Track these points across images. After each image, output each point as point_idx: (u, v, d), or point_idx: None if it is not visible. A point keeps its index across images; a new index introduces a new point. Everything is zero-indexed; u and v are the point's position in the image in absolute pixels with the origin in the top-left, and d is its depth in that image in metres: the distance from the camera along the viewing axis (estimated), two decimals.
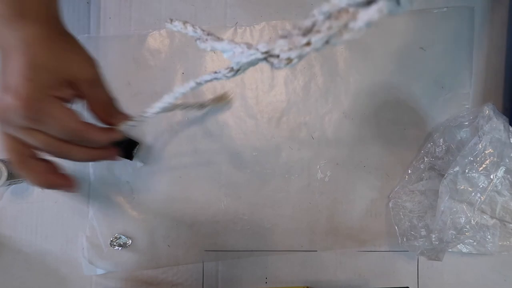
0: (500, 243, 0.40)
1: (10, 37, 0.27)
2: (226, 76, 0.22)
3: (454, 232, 0.37)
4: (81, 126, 0.29)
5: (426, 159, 0.41)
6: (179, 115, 0.44)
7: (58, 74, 0.28)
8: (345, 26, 0.14)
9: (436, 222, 0.38)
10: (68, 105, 0.30)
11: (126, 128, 0.34)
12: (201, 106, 0.42)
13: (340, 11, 0.14)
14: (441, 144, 0.41)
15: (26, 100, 0.26)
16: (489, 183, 0.37)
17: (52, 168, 0.32)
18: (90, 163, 0.44)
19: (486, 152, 0.37)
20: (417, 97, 0.42)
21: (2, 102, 0.27)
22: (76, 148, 0.30)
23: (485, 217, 0.40)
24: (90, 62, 0.31)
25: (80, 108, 0.32)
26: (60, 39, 0.30)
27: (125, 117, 0.34)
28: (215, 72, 0.23)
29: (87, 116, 0.32)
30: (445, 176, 0.38)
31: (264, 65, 0.44)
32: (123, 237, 0.44)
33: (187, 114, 0.44)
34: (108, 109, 0.33)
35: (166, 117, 0.44)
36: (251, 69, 0.45)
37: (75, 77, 0.29)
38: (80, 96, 0.31)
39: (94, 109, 0.32)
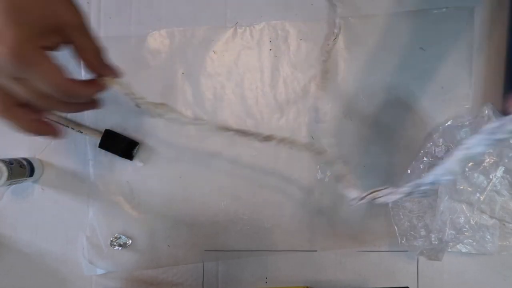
0: (499, 243, 0.40)
1: None
2: None
3: (454, 232, 0.37)
4: (67, 81, 0.29)
5: (426, 159, 0.41)
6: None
7: (45, 19, 0.27)
8: None
9: (435, 222, 0.38)
10: (54, 54, 0.29)
11: (112, 84, 0.33)
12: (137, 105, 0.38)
13: None
14: (441, 144, 0.41)
15: (13, 48, 0.25)
16: (489, 183, 0.37)
17: (37, 115, 0.31)
18: (90, 163, 0.44)
19: (486, 152, 0.37)
20: (417, 97, 0.43)
21: None
22: (60, 102, 0.30)
23: (484, 217, 0.40)
24: (76, 7, 0.30)
25: (66, 58, 0.31)
26: None
27: (113, 71, 0.34)
28: None
29: (73, 66, 0.32)
30: None
31: (264, 65, 0.44)
32: (123, 237, 0.44)
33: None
34: (97, 58, 0.32)
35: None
36: (251, 69, 0.45)
37: (64, 22, 0.28)
38: (67, 42, 0.30)
39: (83, 56, 0.32)
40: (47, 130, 0.32)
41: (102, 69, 0.33)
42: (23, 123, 0.30)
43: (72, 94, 0.30)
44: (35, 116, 0.31)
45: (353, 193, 0.31)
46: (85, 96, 0.31)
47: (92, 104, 0.35)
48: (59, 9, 0.28)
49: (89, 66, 0.33)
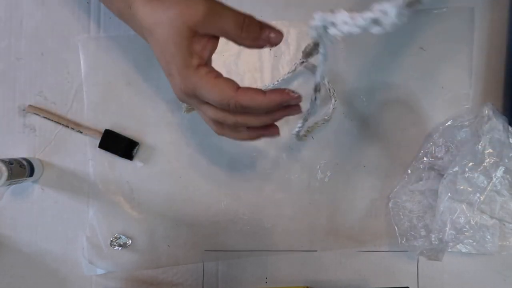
0: (499, 243, 0.40)
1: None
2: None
3: (454, 232, 0.37)
4: (235, 90, 0.28)
5: (426, 159, 0.41)
6: (180, 115, 0.44)
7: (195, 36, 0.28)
8: None
9: (435, 222, 0.38)
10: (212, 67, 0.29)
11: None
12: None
13: None
14: (441, 144, 0.41)
15: (180, 79, 0.28)
16: (489, 183, 0.37)
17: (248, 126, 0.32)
18: (90, 163, 0.44)
19: (486, 152, 0.37)
20: (417, 97, 0.42)
21: (171, 82, 0.29)
22: (242, 117, 0.30)
23: (484, 217, 0.40)
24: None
25: None
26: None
27: (272, 28, 0.29)
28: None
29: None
30: (444, 176, 0.38)
31: (264, 65, 0.44)
32: (123, 237, 0.44)
33: (187, 114, 0.44)
34: (252, 28, 0.28)
35: (166, 117, 0.44)
36: (251, 69, 0.45)
37: (222, 31, 0.28)
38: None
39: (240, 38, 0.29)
40: (265, 132, 0.33)
41: (262, 31, 0.28)
42: (239, 135, 0.32)
43: (243, 101, 0.28)
44: (244, 128, 0.32)
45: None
46: (261, 103, 0.28)
47: (269, 129, 0.33)
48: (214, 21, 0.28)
49: (250, 42, 0.29)
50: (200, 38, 0.28)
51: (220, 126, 0.32)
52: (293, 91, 0.29)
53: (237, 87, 0.28)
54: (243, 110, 0.29)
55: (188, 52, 0.28)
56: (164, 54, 0.28)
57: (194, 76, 0.28)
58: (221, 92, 0.28)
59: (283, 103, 0.29)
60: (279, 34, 0.29)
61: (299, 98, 0.29)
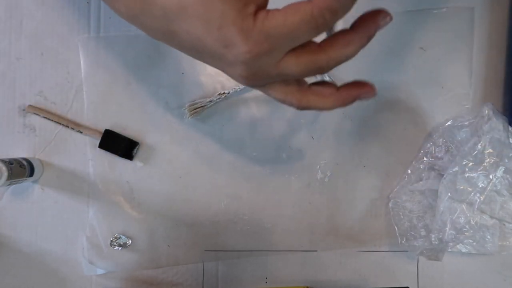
0: (499, 243, 0.40)
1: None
2: None
3: (454, 232, 0.37)
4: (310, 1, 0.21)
5: (425, 159, 0.41)
6: (180, 115, 0.44)
7: None
8: None
9: (435, 222, 0.38)
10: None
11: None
12: None
13: None
14: (441, 144, 0.41)
15: (243, 40, 0.22)
16: (489, 183, 0.37)
17: (332, 86, 0.27)
18: (90, 163, 0.44)
19: (486, 152, 0.37)
20: (417, 97, 0.42)
21: (231, 58, 0.22)
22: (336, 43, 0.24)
23: (484, 217, 0.40)
24: None
25: None
26: None
27: None
28: None
29: None
30: (444, 176, 0.38)
31: None
32: (123, 237, 0.44)
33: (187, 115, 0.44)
34: None
35: (166, 117, 0.44)
36: None
37: None
38: None
39: None
40: (357, 93, 0.27)
41: None
42: (325, 100, 0.27)
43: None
44: (332, 88, 0.27)
45: None
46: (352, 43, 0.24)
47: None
48: None
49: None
50: None
51: (303, 92, 0.26)
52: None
53: None
54: (334, 16, 0.21)
55: (240, 0, 0.21)
56: (210, 23, 0.22)
57: (259, 23, 0.21)
58: (297, 11, 0.21)
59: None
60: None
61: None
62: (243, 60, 0.22)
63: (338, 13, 0.21)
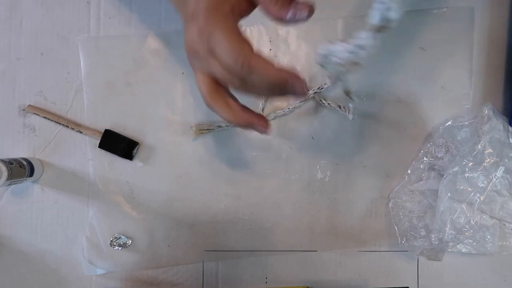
0: (499, 243, 0.40)
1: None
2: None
3: (454, 232, 0.37)
4: (253, 51, 0.27)
5: (426, 159, 0.41)
6: (180, 115, 0.44)
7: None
8: None
9: (435, 222, 0.38)
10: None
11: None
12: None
13: None
14: (441, 144, 0.41)
15: (204, 20, 0.27)
16: (489, 183, 0.37)
17: (244, 107, 0.31)
18: (90, 163, 0.44)
19: (486, 152, 0.37)
20: (417, 97, 0.43)
21: (189, 25, 0.28)
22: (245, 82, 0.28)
23: (484, 217, 0.40)
24: None
25: None
26: None
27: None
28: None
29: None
30: (444, 176, 0.38)
31: None
32: (123, 237, 0.44)
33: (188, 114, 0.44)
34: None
35: (166, 117, 0.44)
36: None
37: None
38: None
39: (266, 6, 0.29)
40: (257, 122, 0.31)
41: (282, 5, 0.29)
42: (232, 111, 0.30)
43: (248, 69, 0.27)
44: (242, 106, 0.31)
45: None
46: (269, 77, 0.27)
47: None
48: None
49: (273, 13, 0.29)
50: None
51: (214, 90, 0.30)
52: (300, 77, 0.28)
53: (254, 50, 0.27)
54: (250, 75, 0.27)
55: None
56: None
57: (222, 21, 0.27)
58: (241, 47, 0.27)
59: (288, 82, 0.28)
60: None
61: (303, 84, 0.28)
62: (191, 33, 0.28)
63: (252, 80, 0.27)
